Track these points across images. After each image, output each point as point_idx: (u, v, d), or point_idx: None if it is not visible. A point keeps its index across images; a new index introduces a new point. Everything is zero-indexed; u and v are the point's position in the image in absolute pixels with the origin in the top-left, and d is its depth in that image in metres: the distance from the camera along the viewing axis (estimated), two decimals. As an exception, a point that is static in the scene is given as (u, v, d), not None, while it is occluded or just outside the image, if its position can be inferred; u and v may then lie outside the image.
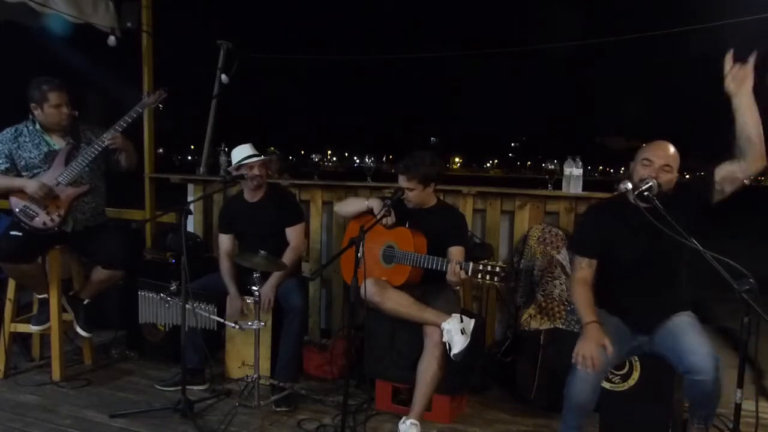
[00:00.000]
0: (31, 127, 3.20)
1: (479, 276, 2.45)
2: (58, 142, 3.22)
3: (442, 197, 3.68)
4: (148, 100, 3.36)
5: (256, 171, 3.19)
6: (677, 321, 2.37)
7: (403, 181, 2.87)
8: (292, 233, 3.29)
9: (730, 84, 2.13)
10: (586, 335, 2.27)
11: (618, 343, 2.32)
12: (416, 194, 2.88)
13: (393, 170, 3.01)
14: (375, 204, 2.97)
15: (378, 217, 2.78)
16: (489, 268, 2.44)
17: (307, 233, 3.44)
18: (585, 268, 2.48)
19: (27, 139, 3.17)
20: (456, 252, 2.82)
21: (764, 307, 1.83)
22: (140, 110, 3.31)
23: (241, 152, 3.21)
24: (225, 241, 3.39)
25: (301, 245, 3.34)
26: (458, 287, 2.68)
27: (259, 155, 3.20)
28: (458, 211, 3.23)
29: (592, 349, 2.22)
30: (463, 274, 2.53)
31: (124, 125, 3.24)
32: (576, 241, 2.73)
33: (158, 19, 4.47)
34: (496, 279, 2.42)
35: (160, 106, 3.45)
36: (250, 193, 3.31)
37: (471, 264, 2.50)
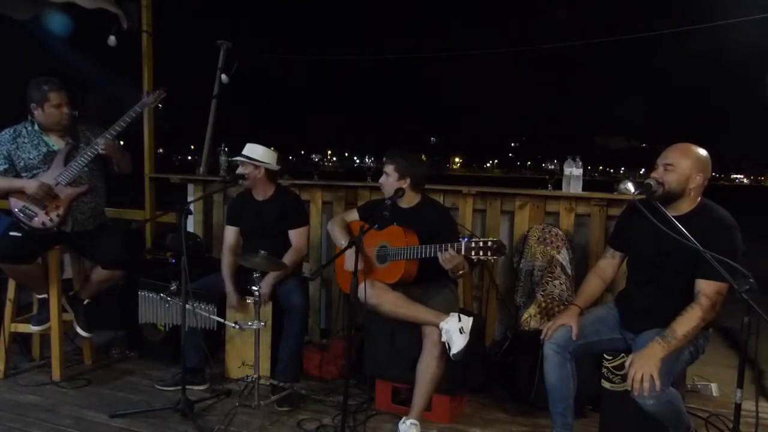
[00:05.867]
0: (30, 128, 3.20)
1: (473, 253, 2.46)
2: (57, 143, 3.22)
3: (442, 197, 3.70)
4: (148, 100, 3.36)
5: (241, 170, 3.24)
6: (650, 336, 2.26)
7: (384, 165, 2.98)
8: (295, 235, 3.29)
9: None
10: (562, 313, 2.60)
11: (595, 332, 2.50)
12: (387, 181, 2.94)
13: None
14: (348, 252, 2.78)
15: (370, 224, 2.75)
16: (481, 243, 2.44)
17: (307, 234, 3.44)
18: (607, 258, 2.68)
19: (26, 140, 3.17)
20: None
21: (764, 307, 1.83)
22: (140, 110, 3.31)
23: (245, 150, 3.24)
24: (230, 234, 3.40)
25: (303, 248, 3.34)
26: (460, 273, 2.66)
27: (249, 157, 3.20)
28: (444, 208, 3.25)
29: (555, 323, 2.50)
30: (456, 256, 2.53)
31: (124, 125, 3.24)
32: (612, 231, 2.79)
33: (158, 19, 4.47)
34: (489, 253, 2.43)
35: (160, 105, 3.45)
36: (256, 191, 3.33)
37: (463, 242, 2.50)
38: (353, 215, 3.17)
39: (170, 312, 3.17)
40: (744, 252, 2.22)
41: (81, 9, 3.94)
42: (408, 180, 2.92)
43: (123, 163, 3.31)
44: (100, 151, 3.15)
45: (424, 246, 2.71)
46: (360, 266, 2.52)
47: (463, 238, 2.56)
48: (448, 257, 2.56)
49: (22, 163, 3.16)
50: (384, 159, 3.00)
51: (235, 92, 5.01)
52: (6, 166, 3.14)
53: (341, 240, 3.03)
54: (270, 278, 3.16)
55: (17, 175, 3.16)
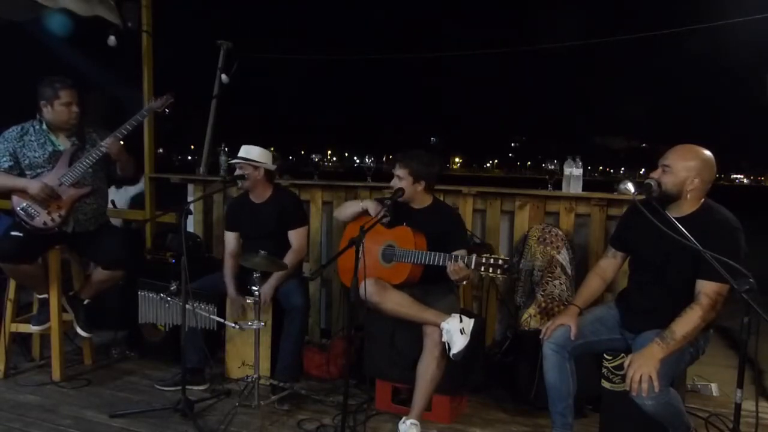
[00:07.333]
0: (37, 127, 3.20)
1: (482, 269, 2.45)
2: (63, 143, 3.22)
3: (442, 197, 3.69)
4: (154, 105, 3.37)
5: (240, 171, 3.24)
6: (650, 336, 2.26)
7: (395, 168, 2.92)
8: (294, 236, 3.29)
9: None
10: (561, 313, 2.64)
11: (594, 331, 2.51)
12: (404, 185, 2.91)
13: (392, 170, 3.01)
14: (370, 205, 2.99)
15: (378, 217, 2.77)
16: (492, 261, 2.44)
17: (307, 234, 3.44)
18: (609, 257, 2.68)
19: (32, 138, 3.17)
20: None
21: (764, 307, 1.83)
22: (146, 114, 3.32)
23: (241, 152, 3.24)
24: (231, 239, 3.40)
25: (303, 248, 3.34)
26: (463, 283, 2.67)
27: (246, 159, 3.21)
28: (456, 211, 3.24)
29: (555, 323, 2.52)
30: (465, 269, 2.53)
31: (130, 129, 3.25)
32: (614, 231, 2.79)
33: (158, 19, 4.47)
34: (498, 272, 2.43)
35: (166, 110, 3.45)
36: (254, 193, 3.32)
37: (474, 256, 2.50)
38: None
39: (170, 312, 3.17)
40: (747, 253, 2.22)
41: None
42: (423, 183, 2.92)
43: (127, 165, 3.31)
44: (104, 150, 3.15)
45: (433, 253, 2.70)
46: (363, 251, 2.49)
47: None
48: (456, 269, 2.56)
49: (26, 161, 3.15)
50: (396, 163, 2.93)
51: (235, 92, 5.01)
52: (11, 163, 3.14)
53: (357, 208, 3.03)
54: (273, 280, 3.16)
55: (21, 173, 3.16)
